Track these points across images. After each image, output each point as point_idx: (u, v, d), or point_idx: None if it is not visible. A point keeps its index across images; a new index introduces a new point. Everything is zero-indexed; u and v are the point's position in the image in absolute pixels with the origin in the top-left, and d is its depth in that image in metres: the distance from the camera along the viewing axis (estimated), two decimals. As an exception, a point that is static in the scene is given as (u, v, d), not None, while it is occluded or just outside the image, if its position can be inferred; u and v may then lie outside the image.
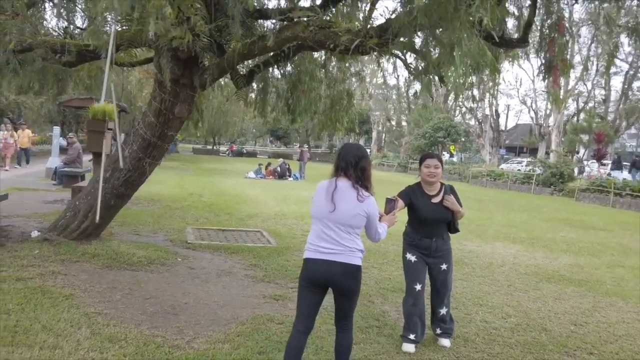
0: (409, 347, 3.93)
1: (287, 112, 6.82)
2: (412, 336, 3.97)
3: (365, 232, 3.08)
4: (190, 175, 20.25)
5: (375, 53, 3.94)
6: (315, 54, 6.62)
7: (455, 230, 4.11)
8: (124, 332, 3.74)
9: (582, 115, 40.26)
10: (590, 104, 42.10)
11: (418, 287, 3.99)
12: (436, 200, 3.99)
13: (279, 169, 22.33)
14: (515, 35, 4.35)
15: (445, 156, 38.36)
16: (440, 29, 3.55)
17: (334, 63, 6.74)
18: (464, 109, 49.78)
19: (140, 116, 6.21)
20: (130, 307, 4.37)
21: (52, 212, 8.67)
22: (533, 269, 7.12)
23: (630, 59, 37.73)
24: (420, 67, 4.56)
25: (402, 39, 3.59)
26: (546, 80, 3.93)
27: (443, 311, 4.11)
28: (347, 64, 6.22)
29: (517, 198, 20.27)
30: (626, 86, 40.99)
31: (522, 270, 7.01)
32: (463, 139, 37.93)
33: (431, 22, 3.40)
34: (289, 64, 6.33)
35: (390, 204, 3.32)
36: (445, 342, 4.12)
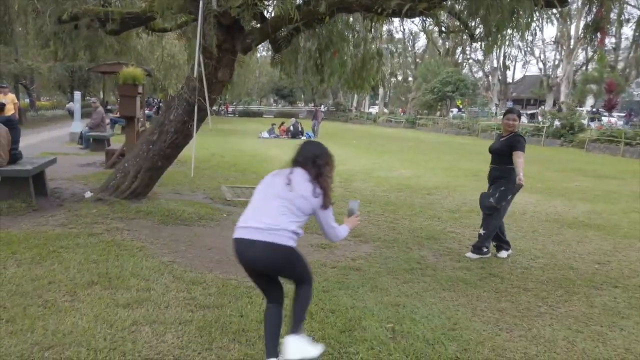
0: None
1: (316, 72, 7.07)
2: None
3: (322, 231, 2.82)
4: (205, 136, 20.47)
5: (422, 16, 4.17)
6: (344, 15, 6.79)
7: None
8: (201, 276, 4.20)
9: (590, 65, 39.77)
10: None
11: None
12: None
13: (292, 128, 22.60)
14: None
15: (454, 111, 38.34)
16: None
17: (360, 24, 6.93)
18: (471, 61, 49.30)
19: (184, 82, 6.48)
20: (197, 256, 4.83)
21: (90, 174, 9.11)
22: (553, 216, 7.54)
23: (642, 5, 36.86)
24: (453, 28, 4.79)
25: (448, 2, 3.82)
26: (590, 39, 4.17)
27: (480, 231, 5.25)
28: (380, 25, 6.41)
29: (528, 150, 20.45)
30: (637, 34, 40.20)
31: (544, 218, 7.43)
32: (471, 92, 37.81)
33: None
34: (320, 26, 6.52)
35: (352, 206, 3.09)
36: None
